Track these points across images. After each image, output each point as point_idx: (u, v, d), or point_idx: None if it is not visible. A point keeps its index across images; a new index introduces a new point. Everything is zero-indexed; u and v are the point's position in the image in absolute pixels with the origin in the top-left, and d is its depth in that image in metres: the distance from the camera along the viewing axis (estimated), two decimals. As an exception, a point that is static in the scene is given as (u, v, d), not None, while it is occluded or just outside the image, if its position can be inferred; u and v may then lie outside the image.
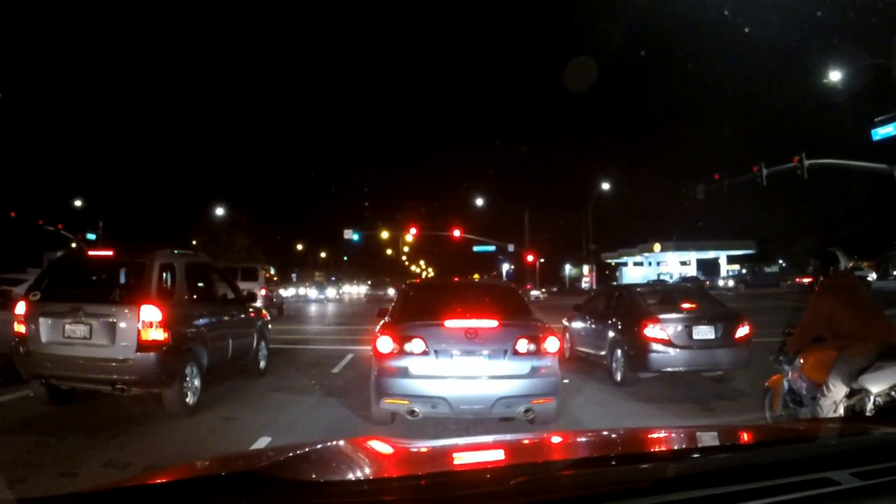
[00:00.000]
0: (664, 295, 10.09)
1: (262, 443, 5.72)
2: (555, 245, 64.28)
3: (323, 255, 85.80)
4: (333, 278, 66.37)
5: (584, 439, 2.51)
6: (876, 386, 4.57)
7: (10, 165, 43.19)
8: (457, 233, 41.59)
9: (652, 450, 2.11)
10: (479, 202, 41.76)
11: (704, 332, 8.53)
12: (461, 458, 1.97)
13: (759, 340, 8.96)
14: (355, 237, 44.09)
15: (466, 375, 5.78)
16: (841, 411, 4.70)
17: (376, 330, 6.30)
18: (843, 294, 4.85)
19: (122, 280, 7.35)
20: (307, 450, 1.95)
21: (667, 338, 8.41)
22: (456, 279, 13.36)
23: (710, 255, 57.60)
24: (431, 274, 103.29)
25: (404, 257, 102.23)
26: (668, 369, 8.55)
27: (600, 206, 46.34)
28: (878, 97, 22.46)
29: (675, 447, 2.10)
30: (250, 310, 9.28)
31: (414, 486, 1.44)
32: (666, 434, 2.58)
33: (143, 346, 6.36)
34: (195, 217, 50.89)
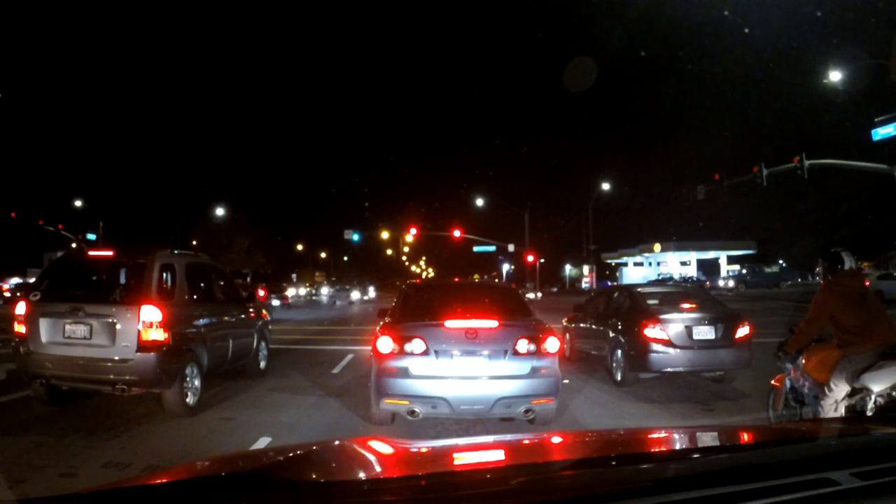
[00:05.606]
0: (664, 295, 10.09)
1: (262, 443, 5.73)
2: (555, 245, 64.43)
3: (323, 255, 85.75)
4: (334, 279, 65.96)
5: (584, 439, 2.51)
6: (877, 385, 4.58)
7: (10, 165, 43.27)
8: (457, 233, 41.53)
9: (652, 450, 2.11)
10: (480, 202, 41.57)
11: (704, 333, 8.52)
12: (461, 459, 1.96)
13: (759, 340, 8.96)
14: (355, 237, 44.02)
15: (467, 376, 5.77)
16: (842, 410, 4.70)
17: (376, 330, 6.30)
18: (847, 293, 4.87)
19: (123, 280, 7.36)
20: (307, 450, 1.96)
21: (667, 338, 8.41)
22: (456, 279, 13.37)
23: (710, 255, 57.63)
24: (431, 274, 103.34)
25: (404, 257, 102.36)
26: (669, 369, 8.55)
27: (600, 207, 46.32)
28: (878, 97, 22.48)
29: (675, 447, 2.10)
30: (250, 310, 9.28)
31: (414, 487, 1.44)
32: (666, 434, 2.59)
33: (143, 346, 6.36)
34: (195, 217, 50.81)
